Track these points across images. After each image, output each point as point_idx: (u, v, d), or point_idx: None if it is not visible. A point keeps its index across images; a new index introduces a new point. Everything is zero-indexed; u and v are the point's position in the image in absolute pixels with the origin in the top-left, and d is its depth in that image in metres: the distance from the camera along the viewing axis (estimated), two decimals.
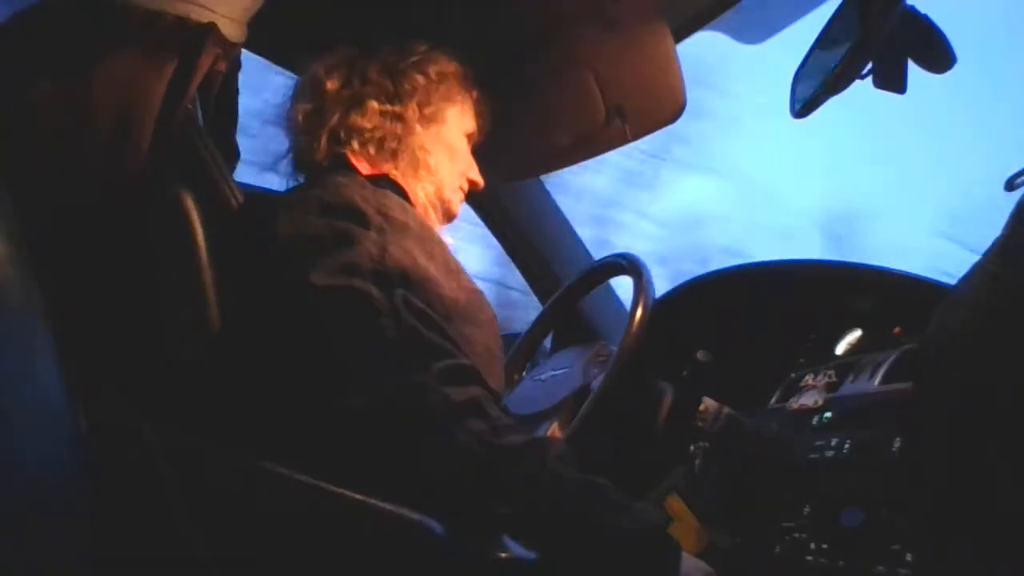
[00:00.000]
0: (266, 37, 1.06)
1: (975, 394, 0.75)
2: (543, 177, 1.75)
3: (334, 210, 0.98)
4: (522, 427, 1.01)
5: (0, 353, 0.63)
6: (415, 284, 0.94)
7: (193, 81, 0.94)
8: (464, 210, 1.30)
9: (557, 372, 1.32)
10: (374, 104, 1.14)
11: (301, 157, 1.18)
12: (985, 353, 0.75)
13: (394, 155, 1.14)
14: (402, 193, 1.12)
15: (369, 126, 1.13)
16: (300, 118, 1.16)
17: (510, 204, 1.72)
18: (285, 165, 1.20)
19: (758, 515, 1.11)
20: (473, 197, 1.30)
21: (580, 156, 1.50)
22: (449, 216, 1.21)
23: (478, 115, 1.24)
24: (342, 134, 1.13)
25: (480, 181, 1.24)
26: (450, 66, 1.19)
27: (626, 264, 1.31)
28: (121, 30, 0.89)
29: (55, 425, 0.68)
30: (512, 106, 1.30)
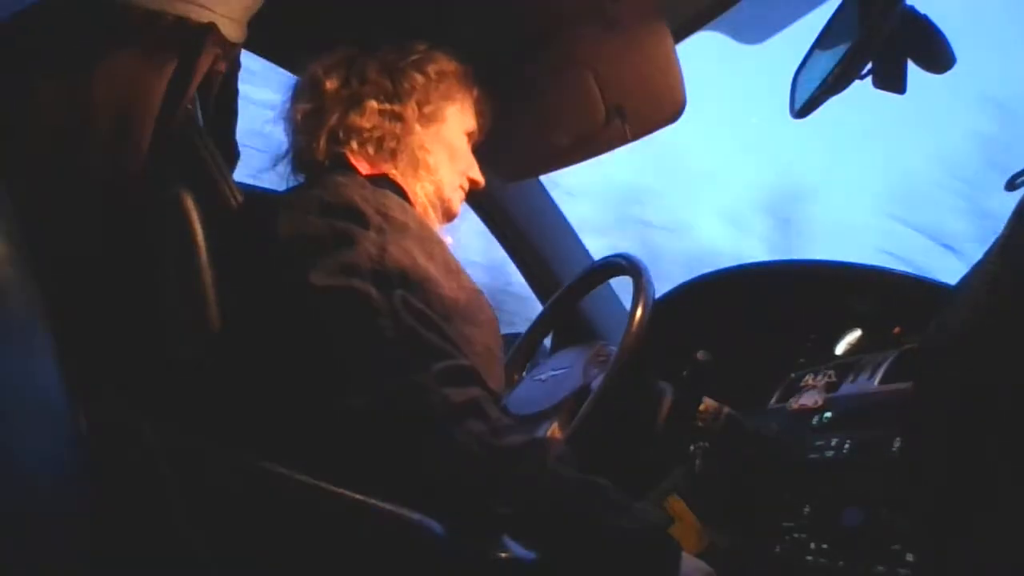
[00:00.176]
0: (266, 37, 1.06)
1: (975, 394, 0.75)
2: (543, 177, 1.75)
3: (334, 210, 0.98)
4: (522, 427, 1.01)
5: (0, 353, 0.63)
6: (414, 284, 0.94)
7: (193, 81, 0.94)
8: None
9: (557, 372, 1.32)
10: (373, 104, 1.14)
11: (301, 157, 1.18)
12: (985, 353, 0.75)
13: (393, 155, 1.14)
14: (402, 193, 1.12)
15: (368, 126, 1.13)
16: (299, 118, 1.16)
17: (510, 204, 1.72)
18: (284, 165, 1.20)
19: (758, 515, 1.11)
20: (473, 197, 1.30)
21: (580, 156, 1.50)
22: (449, 215, 1.21)
23: (479, 113, 1.24)
24: (341, 134, 1.13)
25: (481, 180, 1.24)
26: (450, 65, 1.19)
27: (626, 264, 1.31)
28: (121, 30, 0.89)
29: (55, 425, 0.67)
30: (512, 106, 1.30)
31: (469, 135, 1.23)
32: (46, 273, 0.68)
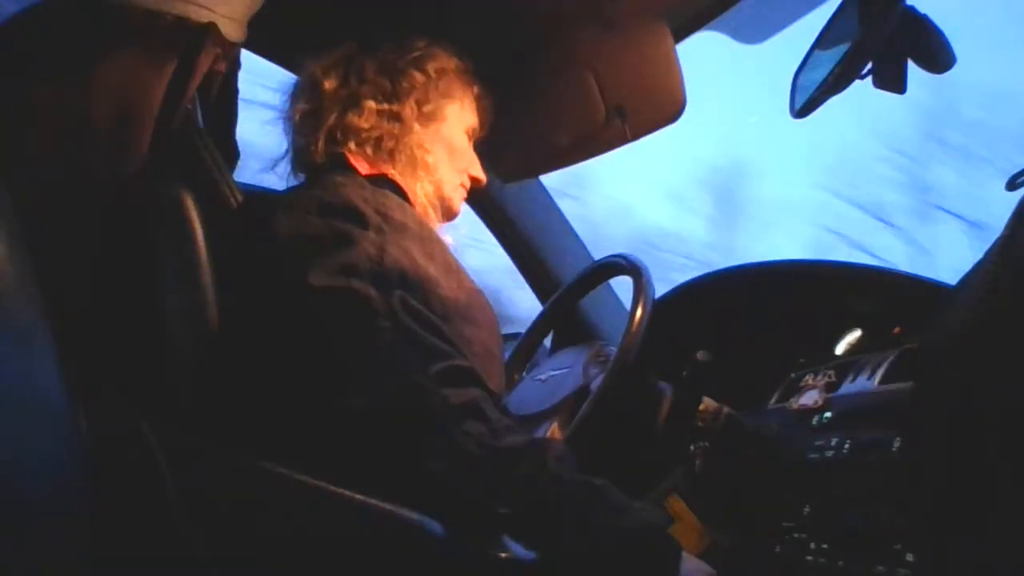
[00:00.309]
0: (266, 37, 1.06)
1: (975, 394, 0.75)
2: (543, 177, 1.75)
3: (333, 210, 0.98)
4: (522, 428, 1.01)
5: (0, 353, 0.63)
6: (414, 285, 0.94)
7: (193, 81, 0.94)
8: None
9: (557, 372, 1.32)
10: (371, 104, 1.13)
11: (300, 157, 1.17)
12: (985, 353, 0.75)
13: (392, 155, 1.14)
14: (401, 192, 1.12)
15: (366, 126, 1.13)
16: (298, 118, 1.16)
17: (510, 204, 1.72)
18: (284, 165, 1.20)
19: (758, 515, 1.11)
20: (473, 197, 1.30)
21: (580, 156, 1.50)
22: (450, 215, 1.21)
23: (479, 110, 1.24)
24: (339, 134, 1.13)
25: (482, 177, 1.23)
26: (449, 61, 1.19)
27: (626, 264, 1.31)
28: (121, 30, 0.89)
29: (55, 425, 0.68)
30: (512, 106, 1.29)
31: (470, 132, 1.23)
32: (46, 273, 0.68)
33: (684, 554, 0.89)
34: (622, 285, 1.45)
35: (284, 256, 0.95)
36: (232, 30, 0.97)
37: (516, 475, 0.85)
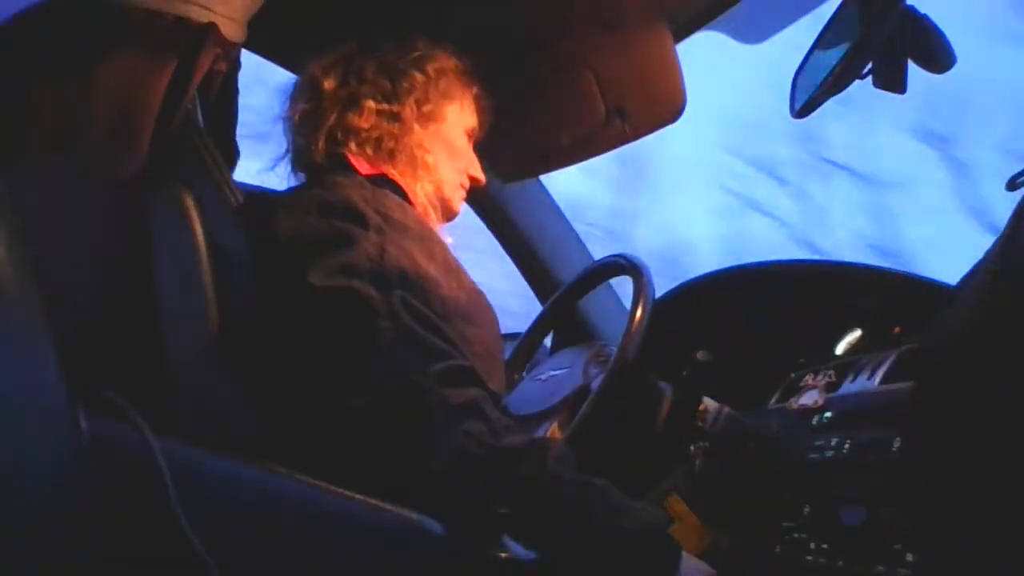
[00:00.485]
0: (266, 37, 1.06)
1: (975, 394, 0.75)
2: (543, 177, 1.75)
3: (333, 210, 0.98)
4: (522, 427, 1.01)
5: (0, 353, 0.63)
6: (414, 284, 0.94)
7: (193, 81, 0.94)
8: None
9: (557, 372, 1.32)
10: (371, 104, 1.13)
11: (300, 157, 1.17)
12: (985, 353, 0.75)
13: (392, 155, 1.14)
14: (401, 192, 1.12)
15: (366, 126, 1.13)
16: (297, 118, 1.16)
17: (510, 204, 1.71)
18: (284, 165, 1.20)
19: (758, 515, 1.11)
20: (473, 197, 1.30)
21: (580, 156, 1.50)
22: (449, 215, 1.21)
23: (479, 111, 1.23)
24: (339, 134, 1.13)
25: (482, 178, 1.23)
26: (449, 62, 1.19)
27: (626, 264, 1.31)
28: (121, 30, 0.89)
29: (55, 426, 0.67)
30: (512, 105, 1.29)
31: (470, 133, 1.23)
32: (46, 273, 0.68)
33: (684, 554, 0.89)
34: (622, 285, 1.45)
35: (284, 256, 0.95)
36: (232, 30, 0.97)
37: (516, 475, 0.85)
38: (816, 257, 4.12)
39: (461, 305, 1.01)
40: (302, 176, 1.18)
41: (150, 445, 0.74)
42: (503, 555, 0.82)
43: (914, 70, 0.90)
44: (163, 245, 0.92)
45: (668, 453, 1.23)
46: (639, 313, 1.18)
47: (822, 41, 1.05)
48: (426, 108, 1.16)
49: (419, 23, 1.19)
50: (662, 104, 1.32)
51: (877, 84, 0.94)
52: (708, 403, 1.18)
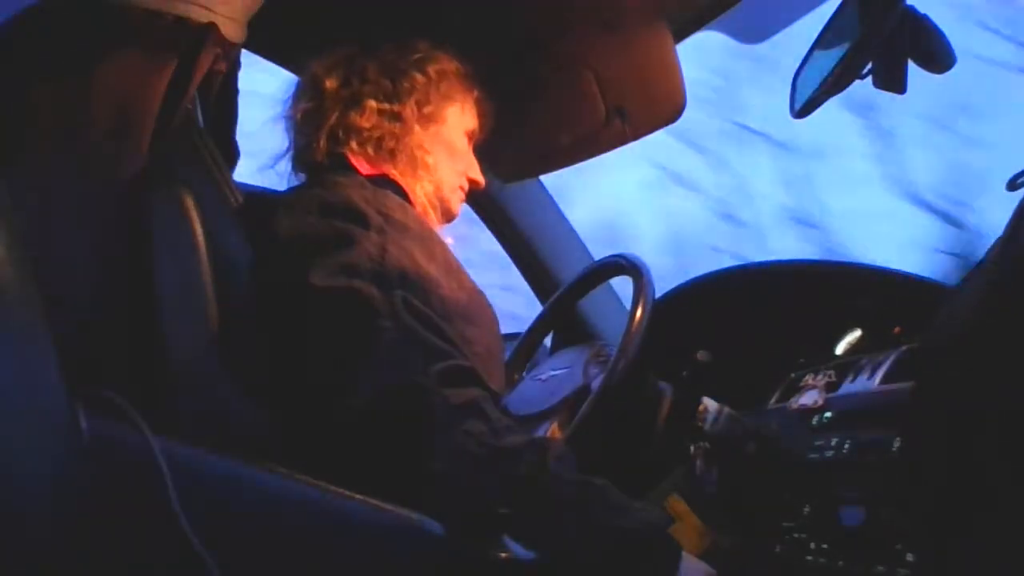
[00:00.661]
0: (266, 37, 1.06)
1: (975, 394, 0.75)
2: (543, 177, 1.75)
3: (334, 210, 0.98)
4: (522, 427, 1.01)
5: (0, 353, 0.63)
6: (415, 284, 0.94)
7: (193, 81, 0.94)
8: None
9: (557, 372, 1.32)
10: (372, 103, 1.13)
11: (301, 157, 1.17)
12: (985, 353, 0.75)
13: (392, 155, 1.14)
14: (402, 192, 1.12)
15: (367, 126, 1.13)
16: (299, 117, 1.16)
17: (510, 204, 1.72)
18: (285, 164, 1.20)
19: (758, 515, 1.11)
20: (473, 197, 1.30)
21: (580, 156, 1.50)
22: (448, 216, 1.21)
23: (480, 114, 1.24)
24: (341, 134, 1.13)
25: (481, 180, 1.24)
26: (451, 64, 1.19)
27: (626, 264, 1.31)
28: (121, 30, 0.89)
29: (55, 426, 0.67)
30: (512, 106, 1.29)
31: (469, 135, 1.23)
32: (46, 273, 0.68)
33: (684, 554, 0.89)
34: (622, 285, 1.46)
35: (285, 256, 0.96)
36: (232, 30, 0.97)
37: (516, 475, 0.85)
38: (739, 229, 4.06)
39: (461, 305, 1.01)
40: (302, 176, 1.19)
41: (150, 445, 0.74)
42: (503, 555, 0.82)
43: None
44: (163, 245, 0.92)
45: (668, 453, 1.23)
46: (639, 313, 1.18)
47: (822, 41, 1.05)
48: (427, 109, 1.16)
49: (419, 23, 1.19)
50: (662, 104, 1.32)
51: (877, 84, 0.94)
52: (708, 403, 1.18)
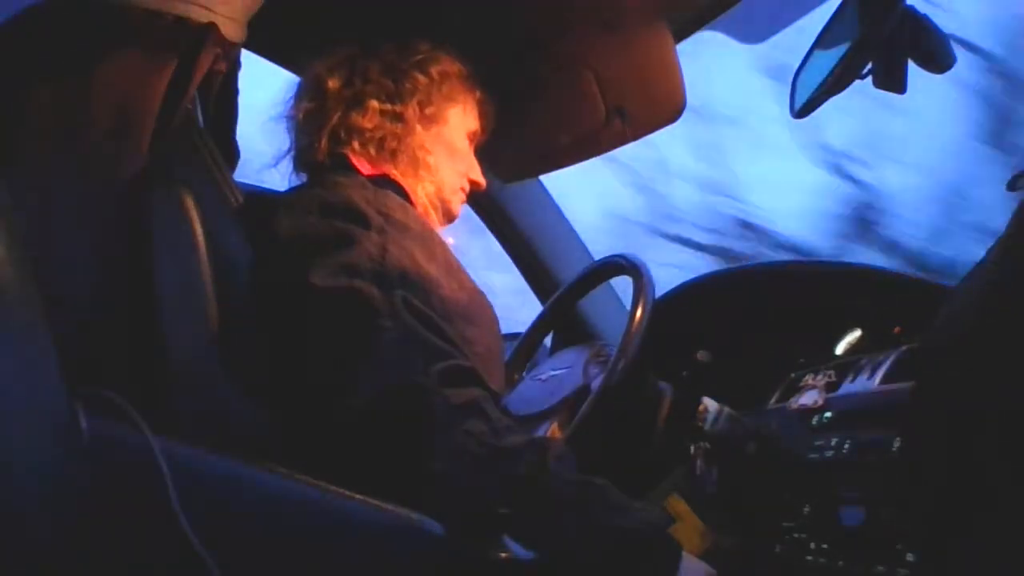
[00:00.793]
0: (266, 37, 1.06)
1: (975, 394, 0.75)
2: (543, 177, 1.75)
3: (334, 210, 0.98)
4: (522, 427, 1.01)
5: (0, 353, 0.63)
6: (415, 284, 0.94)
7: (193, 81, 0.94)
8: None
9: (557, 372, 1.32)
10: (374, 104, 1.13)
11: (302, 156, 1.18)
12: (985, 353, 0.75)
13: (394, 155, 1.14)
14: (403, 193, 1.12)
15: (369, 126, 1.13)
16: (301, 117, 1.16)
17: (510, 204, 1.72)
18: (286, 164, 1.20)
19: (758, 515, 1.11)
20: (473, 197, 1.30)
21: (580, 156, 1.50)
22: (450, 217, 1.21)
23: (481, 115, 1.24)
24: (342, 134, 1.13)
25: (482, 181, 1.24)
26: (453, 66, 1.19)
27: (626, 264, 1.31)
28: (121, 30, 0.89)
29: (55, 426, 0.67)
30: (512, 106, 1.29)
31: (471, 136, 1.23)
32: (46, 273, 0.68)
33: (684, 554, 0.89)
34: (622, 285, 1.46)
35: (285, 256, 0.96)
36: (232, 30, 0.97)
37: (516, 475, 0.85)
38: (657, 204, 4.01)
39: (462, 305, 1.01)
40: (303, 175, 1.19)
41: (150, 445, 0.74)
42: (503, 555, 0.82)
43: None
44: (163, 245, 0.92)
45: (668, 453, 1.23)
46: (639, 313, 1.18)
47: (822, 41, 1.05)
48: (429, 110, 1.16)
49: (419, 23, 1.19)
50: (662, 104, 1.32)
51: (877, 84, 0.94)
52: (708, 403, 1.18)
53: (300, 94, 1.18)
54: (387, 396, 0.86)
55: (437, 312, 0.94)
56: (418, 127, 1.15)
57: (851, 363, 1.16)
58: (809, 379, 1.22)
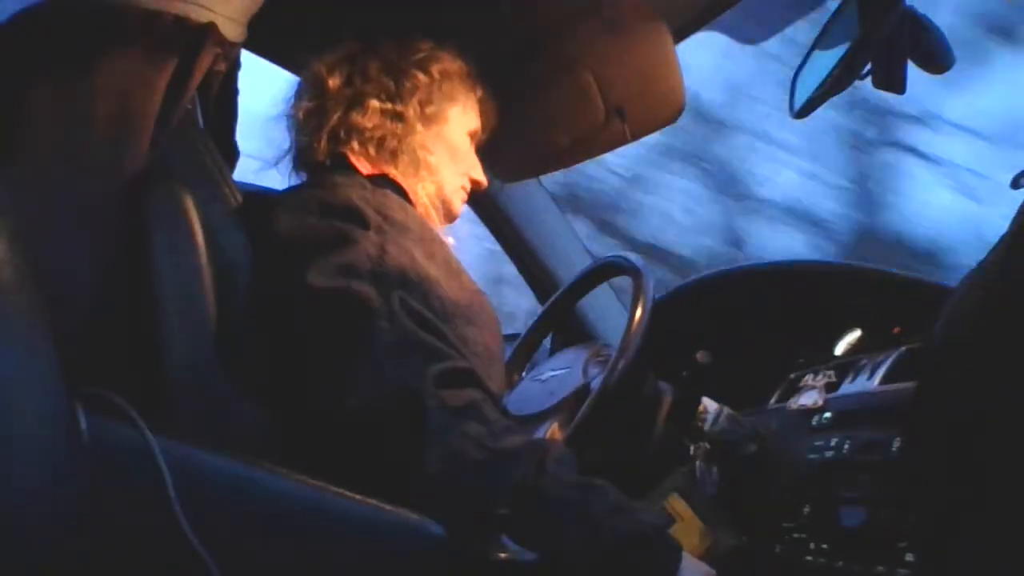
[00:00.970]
0: (266, 37, 1.06)
1: (975, 394, 0.75)
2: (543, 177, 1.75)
3: (333, 210, 0.98)
4: (521, 428, 1.01)
5: (0, 353, 0.63)
6: (414, 285, 0.94)
7: (193, 81, 0.94)
8: None
9: (557, 372, 1.32)
10: (375, 103, 1.13)
11: (302, 156, 1.17)
12: (985, 353, 0.75)
13: (394, 155, 1.14)
14: (402, 193, 1.12)
15: (369, 125, 1.13)
16: (301, 116, 1.15)
17: (510, 204, 1.71)
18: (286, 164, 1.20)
19: (758, 515, 1.11)
20: (473, 197, 1.30)
21: (580, 156, 1.50)
22: (450, 216, 1.21)
23: (482, 114, 1.23)
24: (342, 133, 1.13)
25: (483, 180, 1.23)
26: (453, 64, 1.19)
27: (626, 264, 1.31)
28: (121, 30, 0.89)
29: (54, 426, 0.67)
30: (512, 106, 1.29)
31: (472, 135, 1.22)
32: (46, 273, 0.68)
33: (684, 554, 0.89)
34: (622, 285, 1.46)
35: (284, 256, 0.96)
36: (232, 30, 0.97)
37: (515, 477, 0.84)
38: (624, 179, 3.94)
39: (461, 306, 1.01)
40: (303, 175, 1.18)
41: (150, 445, 0.74)
42: (503, 555, 0.82)
43: None
44: (163, 245, 0.92)
45: (668, 453, 1.23)
46: (639, 313, 1.18)
47: (822, 41, 1.05)
48: (429, 109, 1.15)
49: (418, 23, 1.19)
50: (662, 104, 1.32)
51: (877, 84, 0.94)
52: (708, 403, 1.18)
53: (300, 93, 1.17)
54: (385, 398, 0.86)
55: (436, 312, 0.94)
56: (418, 126, 1.15)
57: (851, 363, 1.16)
58: (809, 379, 1.22)
